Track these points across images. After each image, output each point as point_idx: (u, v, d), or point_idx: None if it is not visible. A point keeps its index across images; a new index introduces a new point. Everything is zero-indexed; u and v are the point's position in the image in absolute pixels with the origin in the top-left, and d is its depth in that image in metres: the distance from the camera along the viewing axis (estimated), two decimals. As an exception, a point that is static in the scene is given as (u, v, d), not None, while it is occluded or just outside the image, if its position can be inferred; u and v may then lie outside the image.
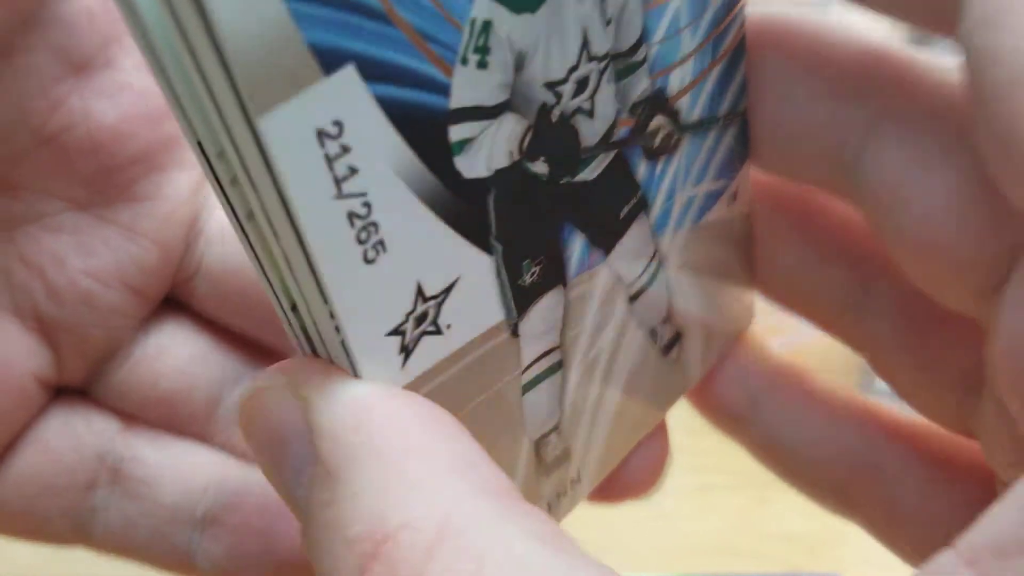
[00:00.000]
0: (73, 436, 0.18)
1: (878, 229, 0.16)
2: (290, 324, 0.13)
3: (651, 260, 0.17)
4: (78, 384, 0.18)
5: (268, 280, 0.12)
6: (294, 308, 0.12)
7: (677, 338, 0.18)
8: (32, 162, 0.16)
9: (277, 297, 0.13)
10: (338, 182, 0.11)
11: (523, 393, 0.15)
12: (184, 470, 0.18)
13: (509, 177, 0.13)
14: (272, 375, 0.13)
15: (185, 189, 0.18)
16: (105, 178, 0.17)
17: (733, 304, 0.20)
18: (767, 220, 0.19)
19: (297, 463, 0.12)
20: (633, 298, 0.17)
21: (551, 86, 0.13)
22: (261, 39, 0.10)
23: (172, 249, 0.18)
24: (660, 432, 0.19)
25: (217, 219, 0.18)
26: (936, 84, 0.15)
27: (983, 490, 0.18)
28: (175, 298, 0.19)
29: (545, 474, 0.16)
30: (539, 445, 0.16)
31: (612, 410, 0.18)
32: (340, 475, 0.12)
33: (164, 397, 0.18)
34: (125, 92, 0.16)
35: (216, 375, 0.18)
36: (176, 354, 0.18)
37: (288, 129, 0.10)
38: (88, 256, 0.17)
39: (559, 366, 0.16)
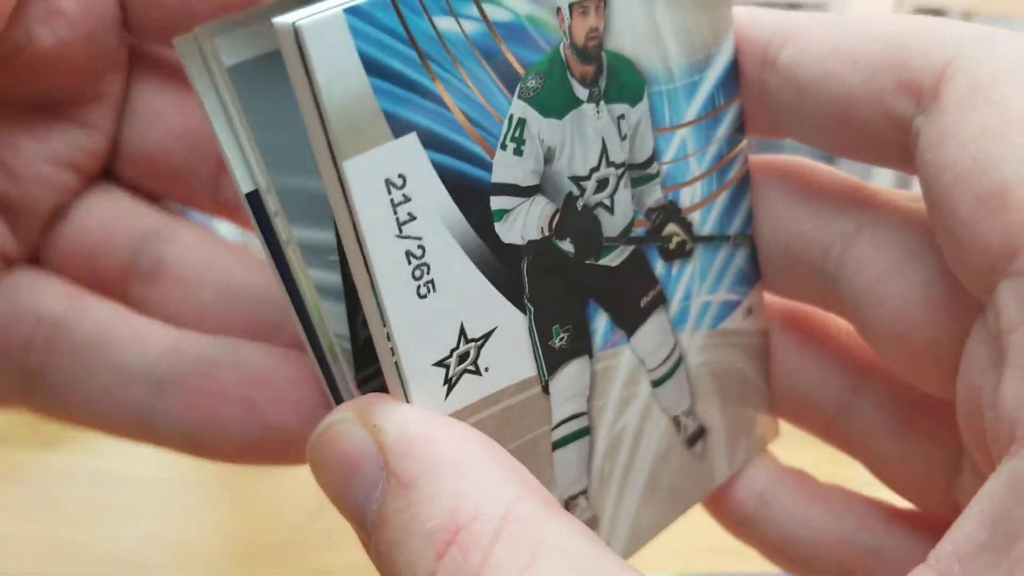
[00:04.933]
0: (12, 298, 0.19)
1: (861, 328, 0.18)
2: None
3: (671, 351, 0.19)
4: (26, 257, 0.20)
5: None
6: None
7: (701, 432, 0.20)
8: None
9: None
10: (399, 224, 0.14)
11: (553, 449, 0.17)
12: (134, 334, 0.19)
13: (540, 249, 0.16)
14: (339, 412, 0.15)
15: (121, 87, 0.20)
16: (56, 91, 0.19)
17: (754, 415, 0.21)
18: (771, 334, 0.21)
19: (368, 483, 0.14)
20: (656, 384, 0.19)
21: (576, 180, 0.17)
22: (349, 102, 0.13)
23: (111, 136, 0.20)
24: None
25: (141, 103, 0.21)
26: (903, 202, 0.18)
27: None
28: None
29: (575, 538, 0.18)
30: (569, 505, 0.18)
31: (640, 489, 0.19)
32: (414, 484, 0.14)
33: (86, 248, 0.20)
34: (58, 18, 0.18)
35: (137, 228, 0.20)
36: (100, 211, 0.20)
37: (364, 173, 0.14)
38: (42, 144, 0.19)
39: (586, 431, 0.18)
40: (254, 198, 0.16)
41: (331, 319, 0.16)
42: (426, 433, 0.14)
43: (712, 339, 0.20)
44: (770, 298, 0.21)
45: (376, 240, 0.14)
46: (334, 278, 0.16)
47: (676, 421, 0.20)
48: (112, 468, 0.48)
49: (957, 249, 0.14)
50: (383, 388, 0.15)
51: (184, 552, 0.43)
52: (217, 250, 0.21)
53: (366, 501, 0.14)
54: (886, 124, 0.16)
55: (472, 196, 0.15)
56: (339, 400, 0.17)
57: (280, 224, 0.16)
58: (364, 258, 0.14)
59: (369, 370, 0.17)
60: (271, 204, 0.16)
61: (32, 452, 0.49)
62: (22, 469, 0.48)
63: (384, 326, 0.14)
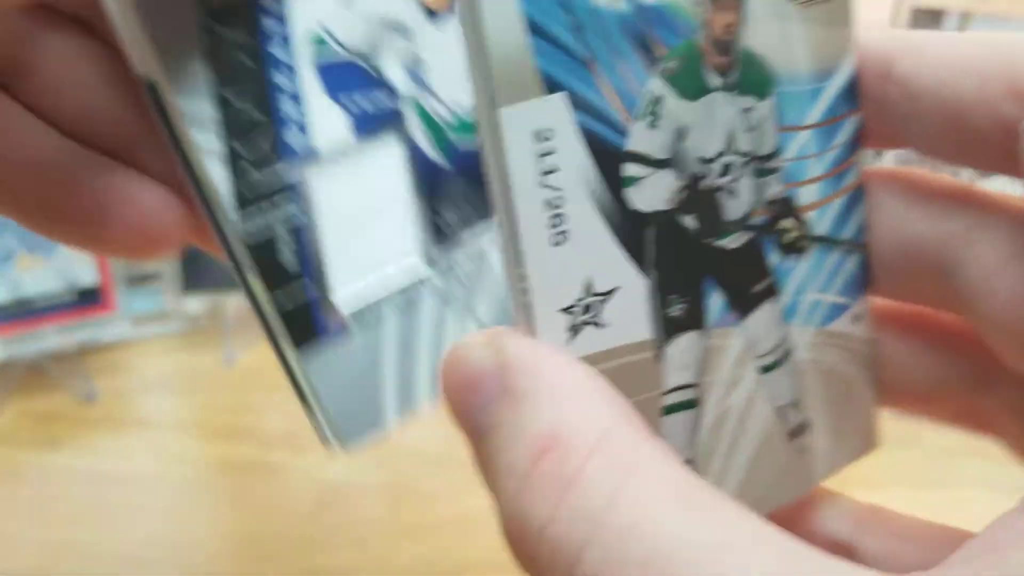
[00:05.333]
0: None
1: (976, 322, 0.19)
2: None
3: (781, 341, 0.20)
4: None
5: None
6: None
7: (804, 427, 0.21)
8: None
9: None
10: (542, 173, 0.16)
11: (662, 415, 0.18)
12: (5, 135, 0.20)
13: (664, 220, 0.18)
14: (471, 337, 0.17)
15: None
16: None
17: (858, 420, 0.22)
18: (886, 337, 0.22)
19: (486, 397, 0.16)
20: (763, 370, 0.20)
21: (702, 162, 0.18)
22: (511, 57, 0.15)
23: None
24: None
25: None
26: (1012, 202, 0.19)
27: None
28: None
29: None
30: (672, 472, 0.18)
31: (742, 470, 0.20)
32: (523, 397, 0.15)
33: None
34: None
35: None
36: None
37: (516, 123, 0.15)
38: None
39: (694, 403, 0.19)
40: (149, 84, 0.19)
41: (208, 167, 0.20)
42: (541, 356, 0.16)
43: (820, 338, 0.21)
44: (886, 302, 0.22)
45: (520, 184, 0.15)
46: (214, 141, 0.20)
47: (781, 411, 0.20)
48: (114, 468, 0.50)
49: None
50: (259, 229, 0.20)
51: (185, 551, 0.44)
52: (88, 68, 0.21)
53: (482, 414, 0.16)
54: (996, 129, 0.17)
55: (608, 159, 0.17)
56: (220, 233, 0.21)
57: (163, 93, 0.19)
58: (508, 199, 0.15)
59: (250, 225, 0.21)
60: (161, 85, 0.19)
61: (34, 453, 0.51)
62: (24, 469, 0.50)
63: (519, 267, 0.16)
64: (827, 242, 0.20)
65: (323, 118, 0.22)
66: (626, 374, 0.17)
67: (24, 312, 0.55)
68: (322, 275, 0.22)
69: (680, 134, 0.18)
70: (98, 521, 0.45)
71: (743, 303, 0.19)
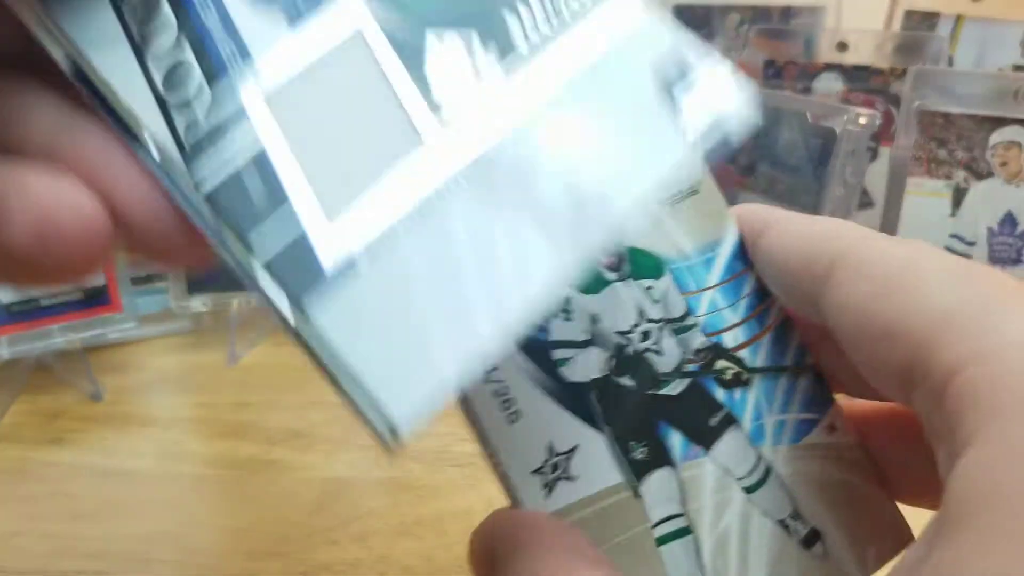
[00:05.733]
0: None
1: None
2: None
3: (757, 462, 0.23)
4: None
5: None
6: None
7: (816, 535, 0.22)
8: None
9: None
10: (487, 374, 0.20)
11: (658, 545, 0.21)
12: None
13: (604, 384, 0.22)
14: (482, 522, 0.21)
15: None
16: None
17: (875, 518, 0.23)
18: (875, 437, 0.24)
19: (487, 568, 0.19)
20: (749, 490, 0.22)
21: (621, 334, 0.22)
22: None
23: None
24: None
25: None
26: None
27: None
28: None
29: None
30: (688, 596, 0.21)
31: (760, 584, 0.21)
32: (505, 560, 0.19)
33: None
34: None
35: None
36: None
37: None
38: None
39: (688, 531, 0.21)
40: (74, 70, 0.17)
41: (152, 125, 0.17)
42: (516, 523, 0.20)
43: (798, 452, 0.23)
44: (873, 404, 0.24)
45: (471, 387, 0.20)
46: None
47: (783, 524, 0.22)
48: (120, 465, 0.50)
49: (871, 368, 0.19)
50: (230, 183, 0.17)
51: (189, 546, 0.44)
52: None
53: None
54: (811, 291, 0.21)
55: (539, 350, 0.21)
56: (179, 192, 0.17)
57: (91, 75, 0.17)
58: (464, 398, 0.20)
59: (204, 172, 0.17)
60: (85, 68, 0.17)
61: (40, 449, 0.51)
62: (31, 466, 0.50)
63: (487, 447, 0.20)
64: (768, 371, 0.24)
65: (252, 24, 0.18)
66: (609, 515, 0.21)
67: (30, 312, 0.56)
68: (306, 201, 0.17)
69: (593, 319, 0.22)
70: (103, 517, 0.46)
71: (703, 436, 0.22)
